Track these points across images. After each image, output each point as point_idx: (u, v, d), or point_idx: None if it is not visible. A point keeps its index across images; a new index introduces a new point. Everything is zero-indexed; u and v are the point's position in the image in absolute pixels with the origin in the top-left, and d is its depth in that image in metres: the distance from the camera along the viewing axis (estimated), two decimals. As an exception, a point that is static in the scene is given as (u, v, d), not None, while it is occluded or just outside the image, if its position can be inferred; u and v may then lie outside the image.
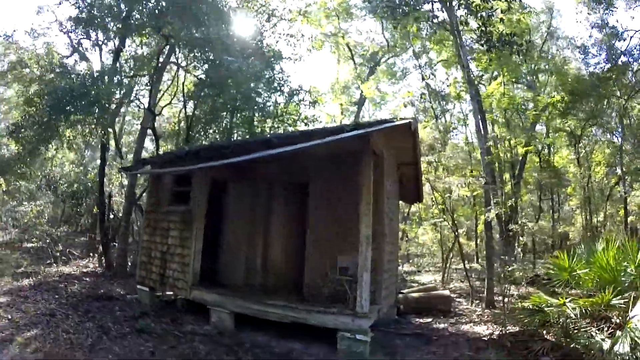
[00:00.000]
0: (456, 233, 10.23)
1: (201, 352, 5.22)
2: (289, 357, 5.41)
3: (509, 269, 7.76)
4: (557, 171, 14.57)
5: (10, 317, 5.76)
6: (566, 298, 5.15)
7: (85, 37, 10.16)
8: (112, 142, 11.60)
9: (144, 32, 9.61)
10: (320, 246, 6.71)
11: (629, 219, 14.02)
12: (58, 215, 10.73)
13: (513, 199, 10.31)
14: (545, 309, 5.29)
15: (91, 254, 10.50)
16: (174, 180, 7.87)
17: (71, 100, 7.67)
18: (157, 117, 10.67)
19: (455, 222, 9.94)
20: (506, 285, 8.45)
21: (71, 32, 9.55)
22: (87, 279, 9.01)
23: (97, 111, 8.18)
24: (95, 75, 8.52)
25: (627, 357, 4.05)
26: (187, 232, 7.27)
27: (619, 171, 14.89)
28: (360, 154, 5.65)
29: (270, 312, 5.98)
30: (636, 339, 4.12)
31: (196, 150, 7.59)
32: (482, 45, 9.79)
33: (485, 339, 6.18)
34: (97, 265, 10.16)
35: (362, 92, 14.83)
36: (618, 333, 4.38)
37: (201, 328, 6.17)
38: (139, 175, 9.58)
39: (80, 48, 10.89)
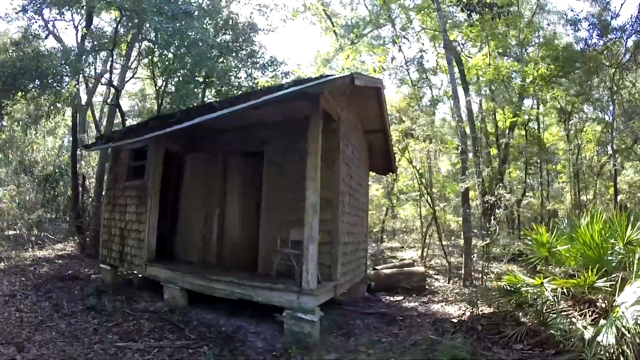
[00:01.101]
0: (432, 207, 9.38)
1: (145, 329, 4.85)
2: (233, 336, 4.88)
3: (482, 244, 6.97)
4: (542, 145, 13.57)
5: None
6: (546, 277, 4.43)
7: (59, 18, 9.54)
8: (93, 125, 11.08)
9: (110, 8, 8.88)
10: (274, 219, 6.06)
11: (619, 197, 12.99)
12: (36, 200, 10.20)
13: (489, 169, 9.38)
14: (522, 289, 4.55)
15: (70, 237, 10.02)
16: (131, 155, 7.26)
17: (17, 77, 7.01)
18: (130, 96, 10.00)
19: (432, 195, 9.07)
20: (485, 262, 7.74)
21: (40, 11, 8.79)
22: (60, 261, 8.53)
23: (53, 88, 7.51)
24: (51, 52, 7.83)
25: (612, 350, 3.31)
26: (142, 207, 6.69)
27: (609, 149, 13.83)
28: (309, 117, 4.94)
29: (217, 289, 5.41)
30: (623, 329, 3.36)
31: (145, 122, 6.93)
32: (461, 9, 8.83)
33: (455, 320, 5.42)
34: (73, 248, 9.68)
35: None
36: (602, 321, 3.64)
37: (153, 305, 5.80)
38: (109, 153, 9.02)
39: (55, 30, 10.28)
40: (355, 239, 6.79)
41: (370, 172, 9.43)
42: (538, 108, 14.05)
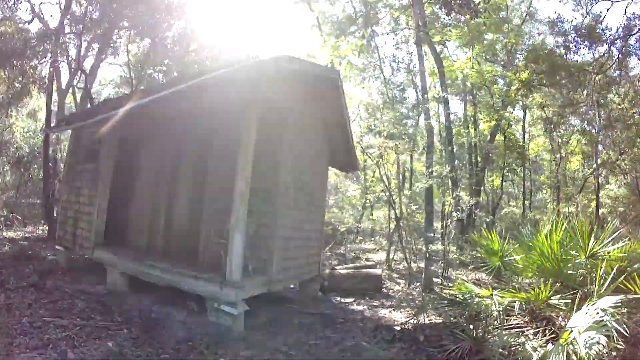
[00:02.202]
0: (394, 208, 9.12)
1: (77, 308, 4.79)
2: (159, 323, 4.75)
3: (434, 248, 6.74)
4: (522, 152, 13.25)
5: None
6: (498, 289, 4.12)
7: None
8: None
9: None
10: (215, 208, 5.93)
11: (601, 211, 12.63)
12: (11, 182, 10.23)
13: (448, 169, 9.06)
14: (469, 300, 4.23)
15: (42, 220, 10.01)
16: (89, 139, 7.19)
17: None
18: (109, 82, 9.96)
19: (392, 195, 8.83)
20: (445, 268, 7.51)
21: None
22: (24, 242, 8.54)
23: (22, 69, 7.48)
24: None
25: None
26: (94, 191, 6.64)
27: (594, 162, 13.48)
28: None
29: (151, 274, 5.39)
30: (574, 356, 2.86)
31: (98, 105, 6.84)
32: (439, 7, 8.61)
33: (398, 328, 5.17)
34: (42, 230, 9.66)
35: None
36: (550, 346, 3.23)
37: (94, 287, 5.74)
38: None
39: (41, 13, 10.26)
40: (303, 234, 6.63)
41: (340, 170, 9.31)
42: (524, 118, 13.75)
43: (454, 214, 7.77)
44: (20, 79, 8.25)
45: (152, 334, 4.39)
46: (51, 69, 8.76)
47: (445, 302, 4.81)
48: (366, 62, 13.79)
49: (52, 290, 5.31)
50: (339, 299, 7.34)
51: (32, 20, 10.46)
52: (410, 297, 7.59)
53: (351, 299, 7.26)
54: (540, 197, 16.56)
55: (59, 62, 9.59)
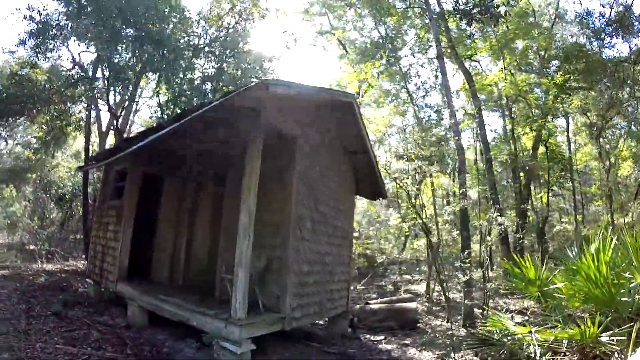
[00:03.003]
0: (428, 236, 8.49)
1: (91, 338, 4.92)
2: (169, 358, 4.76)
3: (465, 278, 6.12)
4: (566, 162, 12.04)
5: None
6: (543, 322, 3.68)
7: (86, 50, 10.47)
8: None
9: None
10: (229, 242, 5.84)
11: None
12: (55, 218, 11.00)
13: (488, 191, 8.36)
14: (504, 338, 3.71)
15: (82, 254, 10.57)
16: (115, 176, 7.57)
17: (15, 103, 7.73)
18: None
19: (424, 221, 8.25)
20: (485, 298, 6.79)
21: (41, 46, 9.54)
22: (62, 275, 8.99)
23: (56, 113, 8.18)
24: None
25: None
26: (118, 226, 6.88)
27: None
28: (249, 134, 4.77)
29: (164, 309, 5.38)
30: None
31: (120, 143, 7.17)
32: (459, 18, 8.25)
33: None
34: (82, 264, 10.17)
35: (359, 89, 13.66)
36: None
37: (114, 320, 5.89)
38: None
39: (81, 61, 11.24)
40: (325, 268, 6.33)
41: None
42: (568, 126, 12.66)
43: (488, 237, 7.09)
44: (57, 122, 8.98)
45: (159, 369, 4.38)
46: (87, 112, 9.51)
47: (478, 341, 4.26)
48: (394, 84, 13.55)
49: (73, 320, 5.53)
50: (368, 336, 6.90)
51: (73, 67, 11.54)
52: (448, 333, 6.92)
53: (381, 337, 6.79)
54: (594, 209, 14.91)
55: (97, 105, 10.37)
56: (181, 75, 9.04)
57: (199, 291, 5.98)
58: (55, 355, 4.12)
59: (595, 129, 11.61)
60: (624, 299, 3.25)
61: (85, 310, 6.16)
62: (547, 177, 11.71)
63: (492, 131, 13.94)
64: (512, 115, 11.96)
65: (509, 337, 3.68)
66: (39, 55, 8.34)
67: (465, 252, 7.17)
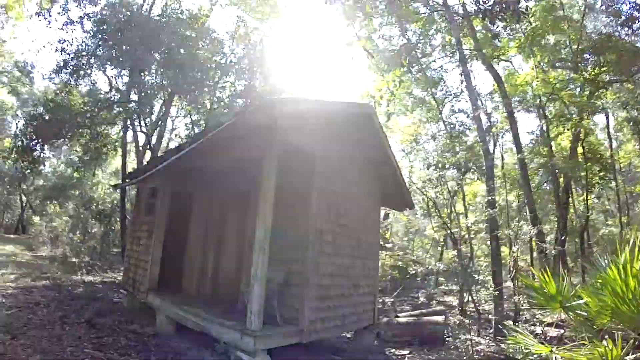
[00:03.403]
0: (457, 245, 8.25)
1: (119, 345, 5.28)
2: None
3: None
4: (605, 161, 11.20)
5: (3, 301, 6.68)
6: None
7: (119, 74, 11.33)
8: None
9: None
10: (250, 256, 6.03)
11: None
12: (95, 233, 11.81)
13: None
14: (526, 357, 3.51)
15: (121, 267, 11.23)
16: (148, 193, 8.05)
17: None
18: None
19: (452, 231, 8.03)
20: (517, 309, 6.49)
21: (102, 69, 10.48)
22: (100, 286, 9.61)
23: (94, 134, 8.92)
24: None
25: None
26: (150, 241, 7.31)
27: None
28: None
29: (188, 319, 5.64)
30: None
31: (148, 162, 7.62)
32: (481, 18, 8.01)
33: None
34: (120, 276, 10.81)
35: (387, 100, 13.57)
36: None
37: (143, 328, 6.22)
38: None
39: (116, 84, 12.11)
40: (349, 281, 6.35)
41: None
42: (608, 123, 11.86)
43: (514, 247, 6.78)
44: (93, 144, 9.77)
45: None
46: (123, 133, 10.27)
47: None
48: (421, 91, 13.35)
49: (104, 328, 5.91)
50: (393, 350, 6.81)
51: (110, 90, 12.43)
52: (478, 349, 6.69)
53: (406, 352, 6.67)
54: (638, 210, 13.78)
55: (134, 125, 11.11)
56: (209, 95, 9.53)
57: (224, 303, 6.23)
58: (83, 359, 4.48)
59: (635, 123, 10.81)
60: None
61: (117, 318, 6.54)
62: (585, 178, 11.01)
63: (529, 133, 13.36)
64: (546, 115, 11.41)
65: (531, 357, 3.46)
66: (73, 82, 9.14)
67: (497, 262, 6.90)
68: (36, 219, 15.63)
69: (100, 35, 8.79)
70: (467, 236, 8.81)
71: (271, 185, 4.82)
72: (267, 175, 4.85)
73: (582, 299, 3.56)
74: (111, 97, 9.97)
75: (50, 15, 10.85)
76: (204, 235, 7.36)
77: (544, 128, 11.79)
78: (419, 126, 11.65)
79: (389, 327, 7.41)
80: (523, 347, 3.62)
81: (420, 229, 15.32)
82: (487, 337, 7.28)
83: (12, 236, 19.09)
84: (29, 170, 10.29)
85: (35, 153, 9.87)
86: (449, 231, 7.73)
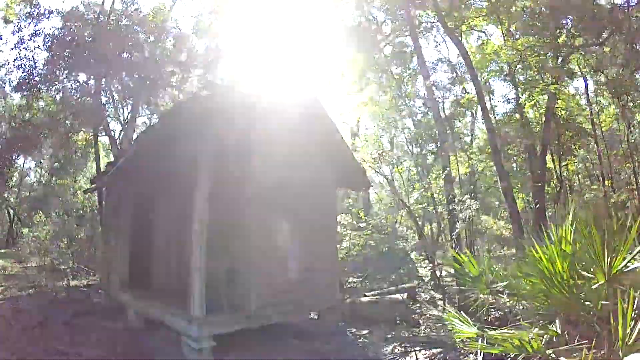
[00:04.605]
0: (417, 224, 8.56)
1: (90, 340, 5.85)
2: (148, 355, 5.54)
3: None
4: (578, 127, 11.29)
5: None
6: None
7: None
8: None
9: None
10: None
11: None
12: (83, 237, 12.44)
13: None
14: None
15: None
16: (112, 196, 8.57)
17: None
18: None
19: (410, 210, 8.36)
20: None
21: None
22: (85, 289, 10.15)
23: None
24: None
25: None
26: (117, 242, 7.85)
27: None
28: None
29: (150, 312, 6.24)
30: None
31: (106, 166, 8.11)
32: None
33: None
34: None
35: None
36: None
37: (115, 324, 6.77)
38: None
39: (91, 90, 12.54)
40: (299, 266, 6.62)
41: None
42: (587, 87, 11.89)
43: (457, 224, 7.05)
44: (61, 152, 10.36)
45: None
46: (94, 138, 10.87)
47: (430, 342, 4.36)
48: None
49: (78, 327, 6.46)
50: (354, 330, 7.21)
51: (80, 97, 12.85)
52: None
53: (366, 331, 7.06)
54: (625, 174, 13.81)
55: (105, 129, 11.62)
56: (168, 94, 9.94)
57: (186, 295, 6.76)
58: (53, 356, 5.06)
59: (614, 87, 10.83)
60: (588, 303, 2.73)
61: (92, 317, 7.08)
62: (558, 144, 11.11)
63: (504, 102, 13.45)
64: (516, 83, 11.48)
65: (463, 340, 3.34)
66: (32, 97, 9.76)
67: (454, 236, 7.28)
68: (25, 230, 16.51)
69: (55, 50, 9.32)
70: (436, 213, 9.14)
71: (204, 181, 5.23)
72: (200, 171, 5.27)
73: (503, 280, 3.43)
74: (84, 102, 10.45)
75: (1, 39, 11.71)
76: (167, 232, 7.81)
77: (518, 97, 11.93)
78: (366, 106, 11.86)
79: (354, 307, 7.84)
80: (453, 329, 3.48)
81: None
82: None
83: (2, 250, 20.10)
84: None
85: (4, 170, 10.53)
86: (405, 208, 8.07)
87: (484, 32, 13.71)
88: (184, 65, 11.39)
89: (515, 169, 12.82)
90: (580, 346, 2.57)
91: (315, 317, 7.63)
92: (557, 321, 2.97)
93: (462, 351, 4.36)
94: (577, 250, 2.82)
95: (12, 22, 11.71)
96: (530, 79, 11.13)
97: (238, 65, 12.85)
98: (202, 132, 5.27)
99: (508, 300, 3.47)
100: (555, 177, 11.98)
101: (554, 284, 2.77)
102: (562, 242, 2.82)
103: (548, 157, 11.54)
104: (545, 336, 2.93)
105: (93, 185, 9.01)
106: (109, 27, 10.53)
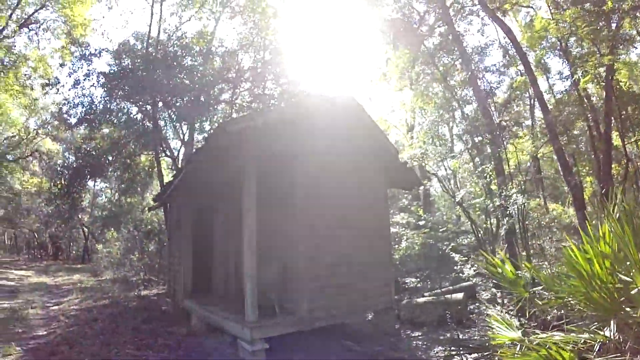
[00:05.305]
0: (471, 221, 8.22)
1: (156, 344, 6.47)
2: (207, 357, 6.03)
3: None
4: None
5: (67, 321, 8.37)
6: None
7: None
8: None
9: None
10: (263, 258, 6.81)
11: None
12: (150, 251, 13.76)
13: None
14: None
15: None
16: (175, 210, 9.44)
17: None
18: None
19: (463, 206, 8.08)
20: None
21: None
22: (154, 298, 11.15)
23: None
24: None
25: None
26: (181, 252, 8.66)
27: None
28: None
29: (210, 318, 6.79)
30: None
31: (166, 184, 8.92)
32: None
33: None
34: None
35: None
36: None
37: (180, 329, 7.43)
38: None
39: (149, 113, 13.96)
40: (351, 269, 6.80)
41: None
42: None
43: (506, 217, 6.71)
44: (125, 175, 11.59)
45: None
46: (156, 158, 12.16)
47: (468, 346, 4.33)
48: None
49: (146, 332, 7.13)
50: (409, 332, 7.30)
51: (142, 120, 14.24)
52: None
53: (419, 333, 7.13)
54: None
55: (164, 151, 12.82)
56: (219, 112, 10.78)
57: (242, 300, 7.26)
58: (123, 358, 5.73)
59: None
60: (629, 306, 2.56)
61: (159, 323, 7.78)
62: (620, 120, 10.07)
63: (562, 80, 12.57)
64: (570, 58, 10.64)
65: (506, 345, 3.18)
66: (94, 129, 11.25)
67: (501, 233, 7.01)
68: (99, 246, 18.55)
69: (109, 87, 10.67)
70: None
71: (251, 192, 5.62)
72: (247, 183, 5.69)
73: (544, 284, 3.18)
74: (144, 127, 11.74)
75: (58, 82, 13.81)
76: (224, 242, 8.45)
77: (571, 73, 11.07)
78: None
79: (409, 309, 7.86)
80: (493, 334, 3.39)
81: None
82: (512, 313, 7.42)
83: (79, 266, 22.91)
84: (72, 210, 12.66)
85: (74, 195, 12.11)
86: (460, 205, 7.90)
87: (532, 7, 12.97)
88: (232, 81, 12.25)
89: (582, 149, 11.95)
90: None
91: (371, 318, 7.79)
92: (612, 324, 2.70)
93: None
94: (617, 249, 2.64)
95: (66, 65, 13.72)
96: (582, 52, 10.28)
97: (283, 74, 13.37)
98: (246, 148, 5.65)
99: (546, 302, 3.27)
100: (625, 156, 10.96)
101: (594, 288, 2.64)
102: (601, 242, 2.65)
103: (614, 134, 10.61)
104: (597, 341, 2.71)
105: (155, 203, 9.99)
106: (158, 55, 11.67)
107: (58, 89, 13.81)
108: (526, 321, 4.23)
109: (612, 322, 2.67)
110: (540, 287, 3.37)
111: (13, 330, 7.70)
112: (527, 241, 7.48)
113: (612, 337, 2.65)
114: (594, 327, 2.83)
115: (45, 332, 7.61)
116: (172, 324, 7.80)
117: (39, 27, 16.07)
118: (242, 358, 5.40)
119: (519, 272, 3.60)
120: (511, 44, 10.22)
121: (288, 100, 12.15)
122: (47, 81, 15.19)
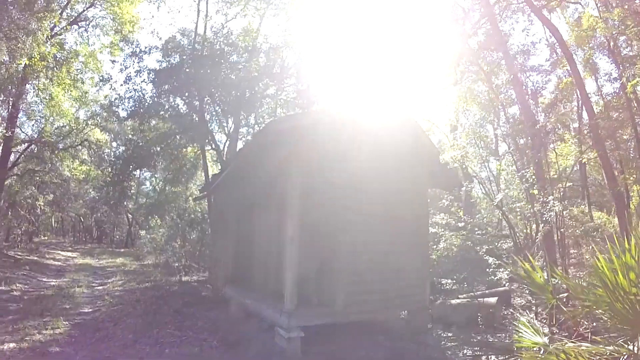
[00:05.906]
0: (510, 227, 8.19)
1: (196, 326, 7.10)
2: (244, 342, 6.46)
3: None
4: None
5: (111, 300, 9.14)
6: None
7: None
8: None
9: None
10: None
11: None
12: (192, 239, 14.62)
13: None
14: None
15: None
16: (219, 203, 10.10)
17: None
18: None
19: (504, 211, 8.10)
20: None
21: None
22: (195, 283, 11.77)
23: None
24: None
25: None
26: (223, 242, 9.29)
27: None
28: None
29: (248, 304, 7.38)
30: None
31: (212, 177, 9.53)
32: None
33: None
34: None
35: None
36: None
37: (219, 314, 8.04)
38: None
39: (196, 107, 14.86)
40: (387, 267, 6.98)
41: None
42: None
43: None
44: (172, 166, 12.42)
45: (231, 347, 6.21)
46: (202, 151, 13.00)
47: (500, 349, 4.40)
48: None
49: (187, 315, 7.69)
50: (440, 332, 7.49)
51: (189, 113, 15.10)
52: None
53: (450, 334, 7.32)
54: None
55: (210, 143, 13.58)
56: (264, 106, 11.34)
57: (280, 291, 7.71)
58: (165, 337, 6.33)
59: None
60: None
61: (200, 308, 8.37)
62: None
63: (610, 81, 12.13)
64: (616, 58, 10.21)
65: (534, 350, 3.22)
66: (144, 122, 12.32)
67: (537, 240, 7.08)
68: (142, 232, 19.78)
69: (158, 83, 11.51)
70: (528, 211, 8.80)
71: (296, 187, 6.04)
72: (289, 181, 6.13)
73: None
74: (191, 121, 12.56)
75: (111, 78, 15.03)
76: (265, 235, 8.86)
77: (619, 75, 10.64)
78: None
79: (442, 309, 8.05)
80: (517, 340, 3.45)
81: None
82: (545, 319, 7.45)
83: (122, 250, 24.60)
84: (120, 197, 13.73)
85: (124, 183, 13.10)
86: (499, 209, 7.95)
87: (580, 4, 12.56)
88: (277, 77, 12.73)
89: (631, 156, 11.54)
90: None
91: (405, 316, 8.05)
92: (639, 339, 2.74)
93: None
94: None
95: (117, 61, 14.76)
96: (632, 53, 9.88)
97: (326, 71, 13.74)
98: (291, 145, 6.02)
99: (572, 310, 3.37)
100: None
101: (618, 297, 2.69)
102: (627, 254, 2.71)
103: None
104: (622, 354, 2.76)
105: (201, 194, 10.71)
106: (205, 52, 12.41)
107: (111, 85, 14.91)
108: (556, 329, 4.28)
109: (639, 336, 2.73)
110: (566, 295, 3.49)
111: (61, 306, 8.48)
112: (565, 249, 7.47)
113: (637, 352, 2.72)
114: (620, 341, 2.89)
115: (90, 310, 8.40)
116: (211, 309, 8.35)
117: (89, 24, 17.26)
118: (278, 344, 5.82)
119: (552, 279, 3.74)
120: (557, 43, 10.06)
121: (329, 98, 12.57)
122: (100, 77, 16.36)
